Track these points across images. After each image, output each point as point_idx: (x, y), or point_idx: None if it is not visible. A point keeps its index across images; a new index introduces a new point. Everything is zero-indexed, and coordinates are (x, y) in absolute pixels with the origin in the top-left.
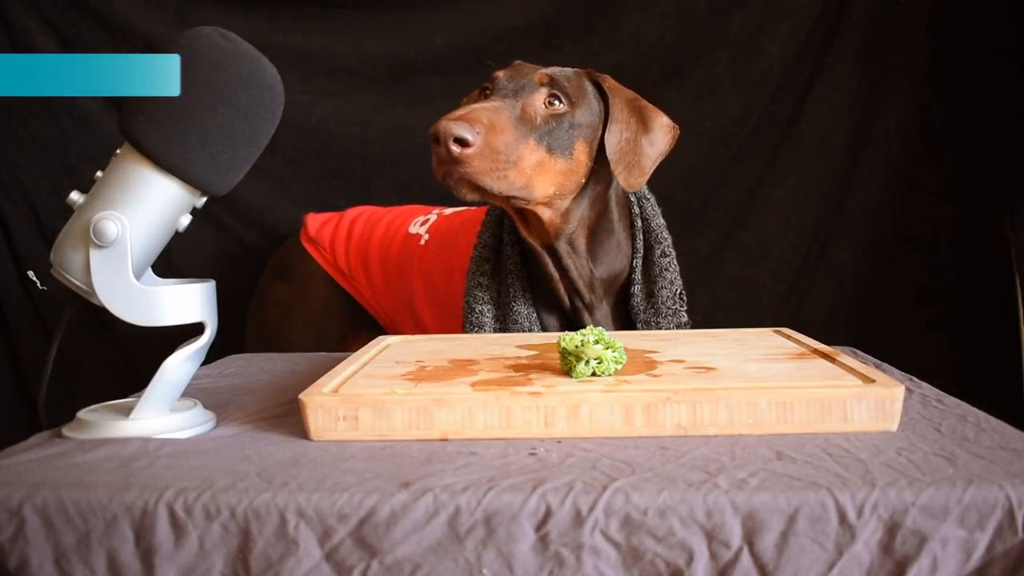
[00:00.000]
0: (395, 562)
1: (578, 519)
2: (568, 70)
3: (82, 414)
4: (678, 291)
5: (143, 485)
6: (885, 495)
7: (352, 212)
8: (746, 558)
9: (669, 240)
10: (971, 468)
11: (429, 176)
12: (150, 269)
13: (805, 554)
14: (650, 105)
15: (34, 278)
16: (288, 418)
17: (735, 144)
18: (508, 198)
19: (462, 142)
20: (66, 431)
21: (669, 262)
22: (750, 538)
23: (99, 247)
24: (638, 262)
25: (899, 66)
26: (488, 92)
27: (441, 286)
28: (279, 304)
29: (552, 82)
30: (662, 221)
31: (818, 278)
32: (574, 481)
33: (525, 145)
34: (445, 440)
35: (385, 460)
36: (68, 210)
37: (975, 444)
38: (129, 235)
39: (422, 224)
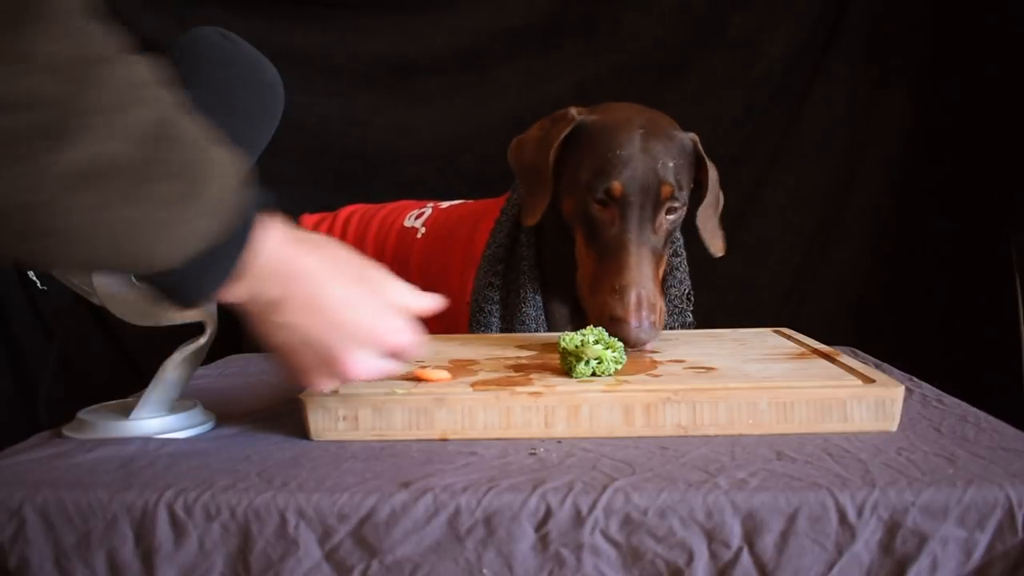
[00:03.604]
0: (395, 562)
1: (578, 519)
2: (682, 138)
3: (82, 414)
4: (686, 291)
5: (143, 485)
6: (885, 495)
7: (345, 211)
8: (746, 558)
9: (681, 240)
10: (971, 468)
11: (429, 176)
12: None
13: (805, 554)
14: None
15: (34, 278)
16: (288, 418)
17: (735, 144)
18: None
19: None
20: (66, 431)
21: (680, 261)
22: (750, 538)
23: None
24: None
25: (899, 66)
26: (605, 202)
27: (439, 278)
28: None
29: (674, 194)
30: None
31: (818, 278)
32: (574, 481)
33: (660, 266)
34: (445, 440)
35: (385, 460)
36: None
37: (975, 444)
38: None
39: (417, 218)
